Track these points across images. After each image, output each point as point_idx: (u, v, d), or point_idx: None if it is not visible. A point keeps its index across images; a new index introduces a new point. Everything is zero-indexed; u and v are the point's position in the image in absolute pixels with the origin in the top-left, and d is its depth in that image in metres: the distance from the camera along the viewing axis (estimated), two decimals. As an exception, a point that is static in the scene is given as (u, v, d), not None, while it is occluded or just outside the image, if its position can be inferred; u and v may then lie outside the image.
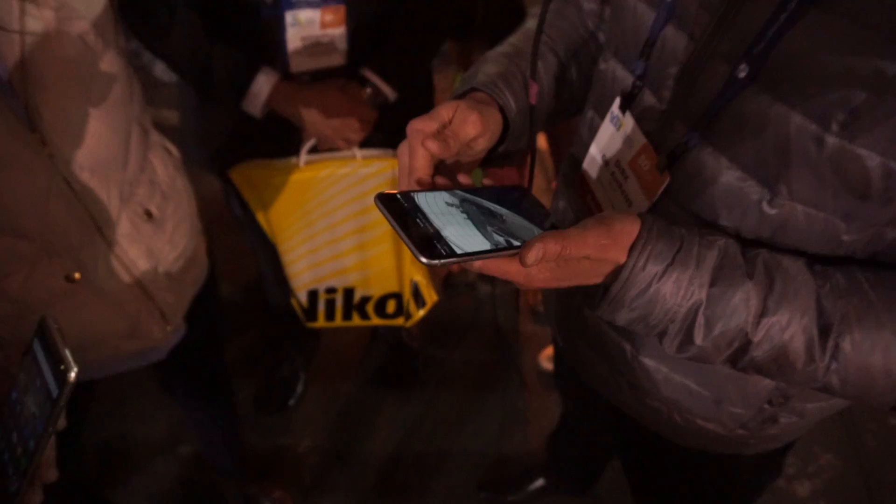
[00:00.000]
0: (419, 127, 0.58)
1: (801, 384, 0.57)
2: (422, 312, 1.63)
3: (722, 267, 0.54)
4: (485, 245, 0.53)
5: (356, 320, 1.64)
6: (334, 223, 1.47)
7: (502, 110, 0.69)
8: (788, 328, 0.53)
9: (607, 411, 0.98)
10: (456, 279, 2.32)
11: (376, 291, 1.59)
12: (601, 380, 0.84)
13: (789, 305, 0.53)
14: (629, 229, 0.53)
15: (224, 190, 1.61)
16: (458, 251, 0.50)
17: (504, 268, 0.54)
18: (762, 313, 0.53)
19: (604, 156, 0.74)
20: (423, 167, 0.58)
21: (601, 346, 0.80)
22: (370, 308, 1.62)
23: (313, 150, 1.37)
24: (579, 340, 0.84)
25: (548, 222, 0.61)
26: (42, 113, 0.77)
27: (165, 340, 1.06)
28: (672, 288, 0.53)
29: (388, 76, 1.24)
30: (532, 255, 0.50)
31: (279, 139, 1.35)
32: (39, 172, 0.80)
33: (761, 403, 0.72)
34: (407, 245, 0.50)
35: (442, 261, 0.49)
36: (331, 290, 1.59)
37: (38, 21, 0.75)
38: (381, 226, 1.46)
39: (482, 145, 0.64)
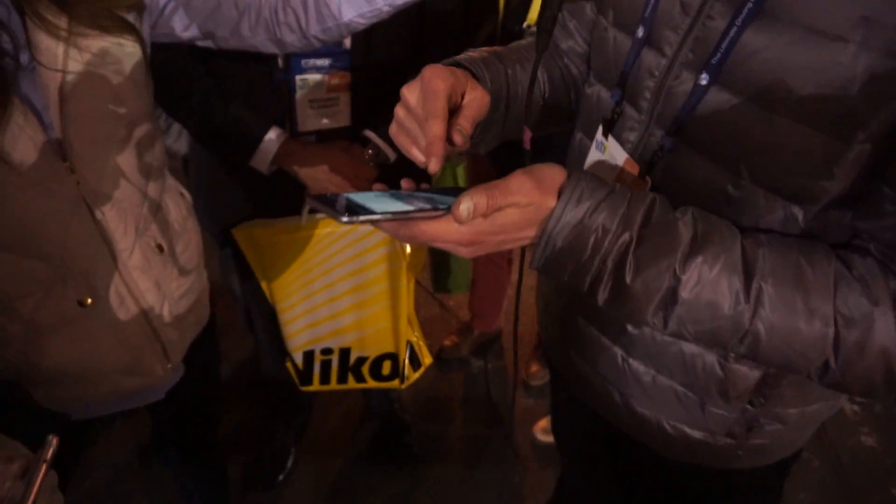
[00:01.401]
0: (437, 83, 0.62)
1: (731, 336, 0.59)
2: (417, 374, 1.64)
3: (652, 209, 0.59)
4: (408, 208, 0.54)
5: (351, 383, 1.64)
6: (333, 282, 1.51)
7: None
8: (714, 267, 0.57)
9: (604, 445, 0.98)
10: (448, 354, 2.33)
11: (372, 352, 1.60)
12: (594, 393, 0.86)
13: (715, 247, 0.57)
14: (555, 175, 0.58)
15: (221, 266, 1.66)
16: (379, 210, 0.52)
17: (440, 231, 0.55)
18: (690, 252, 0.57)
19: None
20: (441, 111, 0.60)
21: (594, 355, 0.83)
22: (366, 370, 1.62)
23: (315, 210, 1.43)
24: (574, 354, 0.87)
25: None
26: (74, 144, 0.84)
27: (165, 378, 1.07)
28: (605, 221, 0.56)
29: (389, 137, 1.34)
30: (463, 206, 0.53)
31: (283, 200, 1.41)
32: (66, 199, 0.85)
33: (743, 404, 0.74)
34: (327, 213, 0.52)
35: (361, 217, 0.51)
36: (327, 352, 1.60)
37: (78, 63, 0.83)
38: (379, 283, 1.50)
39: (473, 108, 0.67)
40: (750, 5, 0.57)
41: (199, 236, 1.18)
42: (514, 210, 0.56)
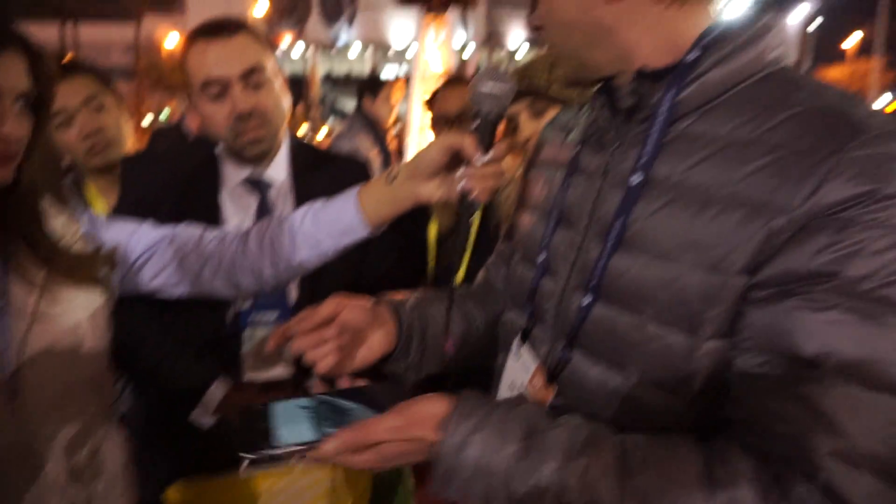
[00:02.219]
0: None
1: None
2: None
3: (530, 423, 0.68)
4: (312, 437, 0.65)
5: None
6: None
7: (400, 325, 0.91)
8: (594, 469, 0.64)
9: None
10: None
11: None
12: None
13: (594, 450, 0.66)
14: (432, 412, 0.69)
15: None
16: (283, 444, 0.63)
17: (342, 458, 0.67)
18: (571, 457, 0.65)
19: (511, 387, 0.90)
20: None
21: None
22: None
23: (253, 464, 1.42)
24: None
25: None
26: (27, 375, 0.88)
27: None
28: (479, 451, 0.66)
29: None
30: (328, 445, 0.65)
31: (220, 456, 1.40)
32: (5, 438, 0.87)
33: None
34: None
35: (262, 453, 0.63)
36: None
37: (47, 310, 0.92)
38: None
39: (372, 337, 0.84)
40: (613, 240, 0.75)
41: (131, 488, 1.15)
42: (394, 445, 0.67)
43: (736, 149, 0.68)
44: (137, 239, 1.14)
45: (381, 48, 37.82)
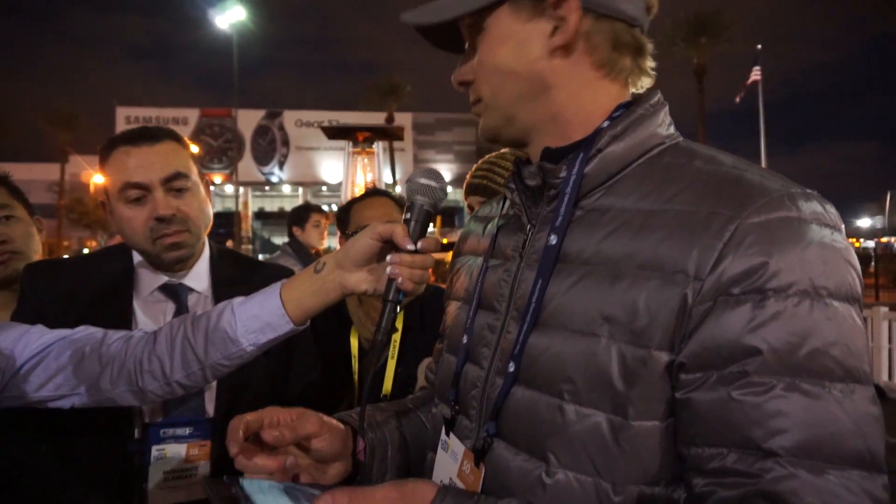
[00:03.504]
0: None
1: None
2: None
3: None
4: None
5: None
6: None
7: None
8: None
9: None
10: None
11: None
12: None
13: None
14: (423, 491, 0.65)
15: None
16: None
17: None
18: None
19: (441, 480, 0.84)
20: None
21: None
22: None
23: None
24: None
25: None
26: None
27: None
28: None
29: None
30: (321, 500, 0.61)
31: None
32: None
33: None
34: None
35: None
36: None
37: None
38: None
39: (323, 446, 0.78)
40: (529, 318, 0.74)
41: None
42: None
43: (641, 220, 0.70)
44: (25, 343, 1.04)
45: (312, 186, 38.92)
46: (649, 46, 0.79)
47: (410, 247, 0.89)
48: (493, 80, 0.79)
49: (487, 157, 1.90)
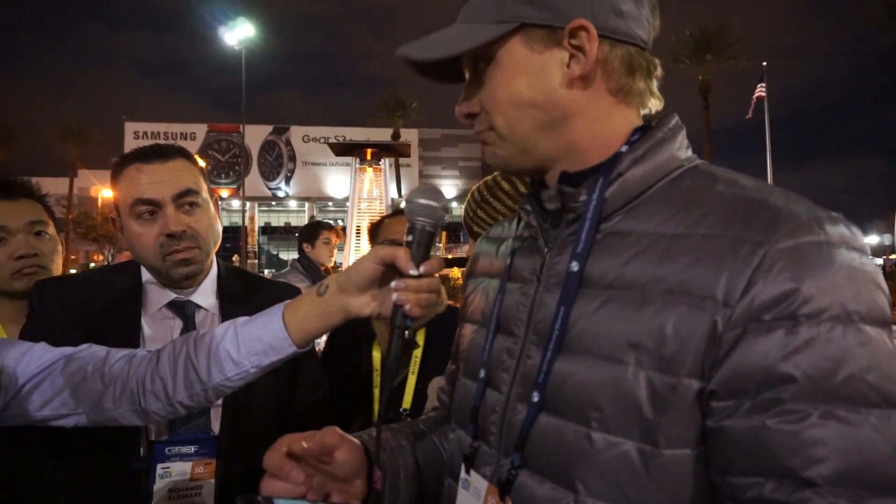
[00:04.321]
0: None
1: None
2: None
3: None
4: None
5: None
6: None
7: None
8: None
9: None
10: None
11: None
12: None
13: None
14: None
15: None
16: None
17: None
18: None
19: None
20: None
21: None
22: None
23: None
24: None
25: None
26: None
27: None
28: None
29: None
30: None
31: None
32: None
33: None
34: None
35: None
36: None
37: None
38: None
39: (345, 458, 0.78)
40: (552, 344, 0.73)
41: None
42: None
43: (665, 244, 0.69)
44: (28, 361, 1.02)
45: (318, 201, 39.09)
46: (659, 68, 0.79)
47: (413, 272, 0.86)
48: (508, 111, 0.77)
49: (476, 195, 1.86)
